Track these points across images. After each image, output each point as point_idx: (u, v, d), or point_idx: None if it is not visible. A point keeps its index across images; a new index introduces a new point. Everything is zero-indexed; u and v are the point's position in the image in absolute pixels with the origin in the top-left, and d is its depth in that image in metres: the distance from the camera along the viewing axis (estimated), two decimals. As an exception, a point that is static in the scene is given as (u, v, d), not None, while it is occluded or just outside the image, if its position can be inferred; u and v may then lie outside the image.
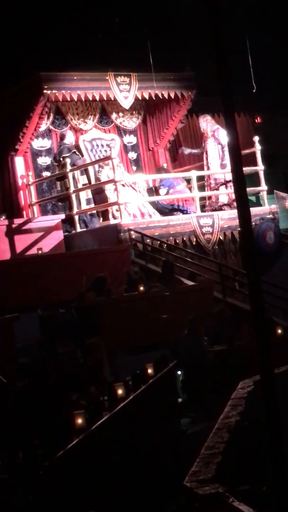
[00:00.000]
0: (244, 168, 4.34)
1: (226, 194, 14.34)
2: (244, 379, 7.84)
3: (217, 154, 14.43)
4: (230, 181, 13.44)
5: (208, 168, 14.54)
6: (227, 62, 4.05)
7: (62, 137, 14.02)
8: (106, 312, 10.06)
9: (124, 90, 13.97)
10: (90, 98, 13.98)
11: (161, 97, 14.57)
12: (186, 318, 9.94)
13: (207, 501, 4.44)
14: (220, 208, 14.21)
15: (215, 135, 14.49)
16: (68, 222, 13.25)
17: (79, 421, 5.94)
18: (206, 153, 14.65)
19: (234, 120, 4.16)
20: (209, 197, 14.59)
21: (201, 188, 14.38)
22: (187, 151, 14.97)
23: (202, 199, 14.33)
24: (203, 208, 14.20)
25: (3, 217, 13.14)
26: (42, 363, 7.24)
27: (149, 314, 10.34)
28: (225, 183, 14.29)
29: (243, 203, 4.14)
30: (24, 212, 13.80)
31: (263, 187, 14.36)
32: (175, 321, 10.14)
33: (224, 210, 14.04)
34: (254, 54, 13.42)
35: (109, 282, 10.52)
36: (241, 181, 4.12)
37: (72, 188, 13.25)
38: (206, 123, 14.72)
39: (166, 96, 14.60)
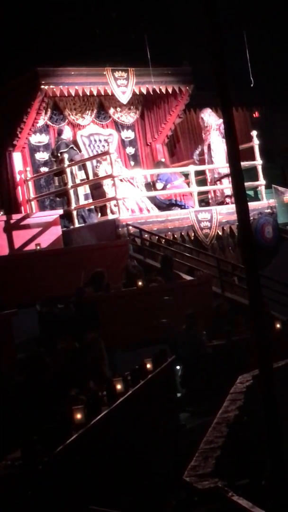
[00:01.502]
0: (242, 163, 4.33)
1: (225, 187, 14.31)
2: (243, 373, 7.85)
3: (222, 147, 14.35)
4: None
5: (212, 162, 14.51)
6: (224, 56, 4.05)
7: (60, 132, 14.00)
8: (105, 307, 10.04)
9: (122, 85, 13.95)
10: (88, 93, 13.95)
11: (158, 92, 14.53)
12: (185, 313, 9.95)
13: (206, 496, 4.45)
14: (224, 201, 14.18)
15: (221, 129, 14.41)
16: (66, 217, 13.24)
17: (78, 416, 5.95)
18: (209, 146, 14.61)
19: (231, 115, 4.16)
20: (214, 190, 14.55)
21: (200, 182, 14.35)
22: (195, 155, 14.85)
23: (201, 193, 14.30)
24: (201, 202, 14.17)
25: (1, 212, 13.14)
26: (39, 359, 7.24)
27: (148, 309, 10.33)
28: (228, 175, 14.23)
29: (241, 197, 4.14)
30: (22, 208, 13.77)
31: (261, 181, 14.35)
32: (174, 316, 10.13)
33: (228, 203, 13.98)
34: (252, 48, 13.39)
35: (108, 277, 10.51)
36: (239, 176, 4.12)
37: (70, 184, 13.23)
38: (209, 116, 14.67)
39: (164, 91, 14.57)
